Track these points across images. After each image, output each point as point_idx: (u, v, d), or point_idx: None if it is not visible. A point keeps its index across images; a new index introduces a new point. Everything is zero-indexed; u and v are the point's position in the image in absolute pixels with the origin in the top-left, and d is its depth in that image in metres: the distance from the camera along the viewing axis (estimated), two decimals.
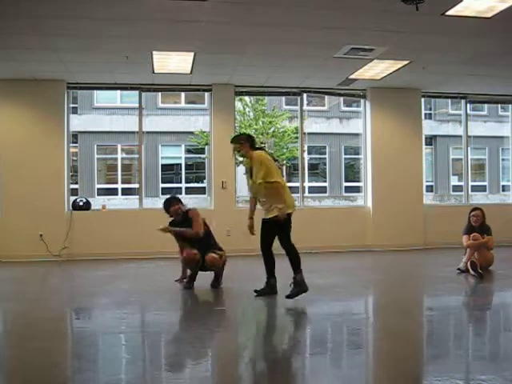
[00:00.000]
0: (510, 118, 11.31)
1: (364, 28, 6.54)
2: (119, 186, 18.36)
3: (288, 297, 5.35)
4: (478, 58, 7.81)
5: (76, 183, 16.03)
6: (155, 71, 8.43)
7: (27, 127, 8.93)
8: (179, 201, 6.58)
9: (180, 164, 18.98)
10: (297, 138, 11.28)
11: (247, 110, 17.85)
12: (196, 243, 6.28)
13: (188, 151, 19.08)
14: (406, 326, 4.75)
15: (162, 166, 18.57)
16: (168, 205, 6.50)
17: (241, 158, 6.70)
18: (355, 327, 4.83)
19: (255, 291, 5.68)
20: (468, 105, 10.77)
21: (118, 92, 16.76)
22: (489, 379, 3.30)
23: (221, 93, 9.55)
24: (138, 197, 9.83)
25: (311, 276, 7.27)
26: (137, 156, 10.49)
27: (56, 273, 8.11)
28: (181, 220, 6.42)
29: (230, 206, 9.15)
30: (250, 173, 5.72)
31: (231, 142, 5.85)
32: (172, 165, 19.09)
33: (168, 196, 6.82)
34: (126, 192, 17.41)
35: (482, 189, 20.10)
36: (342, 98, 17.15)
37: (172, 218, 6.54)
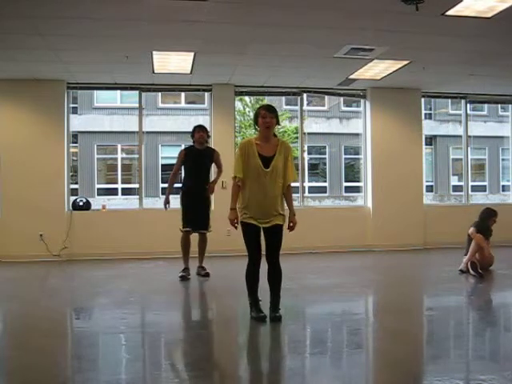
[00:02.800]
0: (510, 117, 11.30)
1: (364, 28, 6.54)
2: (119, 185, 18.34)
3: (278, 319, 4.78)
4: (477, 57, 7.81)
5: (76, 183, 16.00)
6: (155, 71, 8.43)
7: (27, 127, 8.92)
8: (207, 132, 7.14)
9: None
10: (297, 138, 11.27)
11: (247, 110, 17.86)
12: (199, 209, 6.85)
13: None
14: (406, 326, 4.76)
15: (162, 166, 18.54)
16: (195, 130, 7.04)
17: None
18: (355, 327, 4.84)
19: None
20: (468, 105, 10.76)
21: (118, 92, 16.75)
22: (489, 379, 3.31)
23: (221, 93, 9.55)
24: (138, 197, 9.82)
25: (311, 276, 7.30)
26: (137, 156, 10.49)
27: (56, 273, 8.11)
28: (200, 152, 6.97)
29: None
30: (262, 158, 4.70)
31: (270, 110, 4.75)
32: (172, 165, 18.96)
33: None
34: (126, 192, 17.39)
35: (482, 189, 20.09)
36: (341, 98, 17.13)
37: (188, 146, 7.08)
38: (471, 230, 7.15)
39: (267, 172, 4.67)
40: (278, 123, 4.82)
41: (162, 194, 17.81)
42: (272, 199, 4.72)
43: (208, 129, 7.40)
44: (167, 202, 7.05)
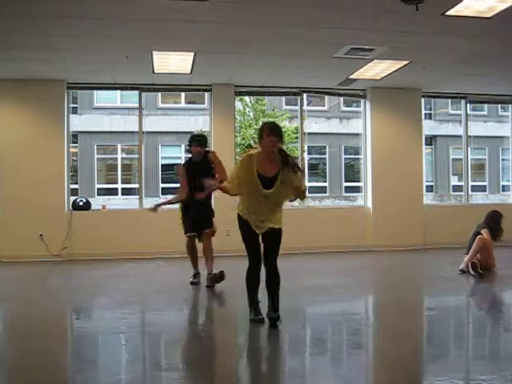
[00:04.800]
0: (510, 117, 11.31)
1: (364, 28, 6.54)
2: (119, 185, 18.34)
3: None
4: (478, 58, 7.81)
5: (76, 183, 15.99)
6: (155, 71, 8.43)
7: (27, 127, 8.92)
8: (205, 144, 6.70)
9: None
10: (297, 138, 11.27)
11: (247, 109, 17.86)
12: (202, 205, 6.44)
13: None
14: (406, 326, 4.76)
15: (162, 166, 18.55)
16: (192, 142, 6.60)
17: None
18: (355, 327, 4.83)
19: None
20: (468, 105, 10.76)
21: (118, 92, 16.74)
22: (489, 379, 3.31)
23: (221, 93, 9.55)
24: (137, 197, 9.83)
25: (311, 276, 7.30)
26: (137, 156, 10.48)
27: (56, 273, 8.11)
28: (199, 165, 6.52)
29: (230, 205, 9.13)
30: (262, 178, 4.48)
31: (277, 134, 4.45)
32: (172, 165, 19.04)
33: (198, 133, 6.92)
34: (126, 192, 17.39)
35: (482, 189, 20.08)
36: (341, 98, 17.14)
37: (186, 160, 6.79)
38: (484, 231, 7.12)
39: (268, 193, 4.46)
40: (282, 143, 4.56)
41: (163, 194, 17.84)
42: (272, 212, 4.60)
43: (206, 136, 6.96)
44: (158, 206, 6.81)
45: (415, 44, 7.16)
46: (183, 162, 6.98)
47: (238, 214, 4.70)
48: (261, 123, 5.20)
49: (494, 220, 7.30)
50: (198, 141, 6.60)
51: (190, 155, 6.78)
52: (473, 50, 7.47)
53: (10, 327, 5.05)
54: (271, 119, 17.43)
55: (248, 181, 4.45)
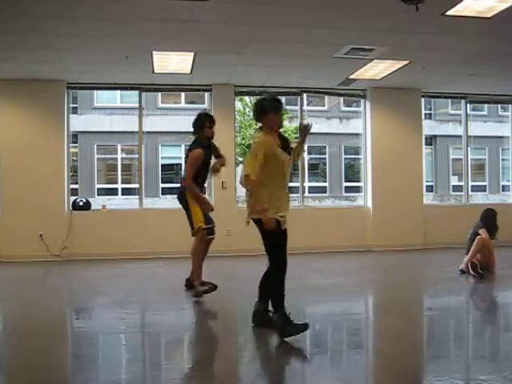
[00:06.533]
0: (510, 117, 11.31)
1: (364, 28, 6.54)
2: (119, 185, 18.35)
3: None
4: (478, 58, 7.81)
5: (76, 183, 15.99)
6: (155, 71, 8.43)
7: (27, 127, 8.92)
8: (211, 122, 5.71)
9: (180, 164, 18.96)
10: (297, 138, 11.27)
11: (247, 110, 17.85)
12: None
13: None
14: (406, 326, 4.76)
15: (162, 166, 18.55)
16: (210, 121, 5.76)
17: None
18: (355, 327, 4.84)
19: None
20: (468, 105, 10.76)
21: (118, 92, 16.75)
22: (489, 379, 3.31)
23: (221, 93, 9.55)
24: (137, 197, 9.82)
25: (312, 276, 7.30)
26: (137, 156, 10.49)
27: (56, 273, 8.12)
28: (207, 148, 5.77)
29: (230, 206, 9.15)
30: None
31: (280, 110, 4.68)
32: (172, 165, 19.08)
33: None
34: (126, 192, 17.39)
35: (482, 189, 20.09)
36: (341, 98, 17.14)
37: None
38: (482, 230, 7.12)
39: (289, 159, 4.46)
40: None
41: (162, 193, 17.87)
42: (288, 200, 4.48)
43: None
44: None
45: (415, 44, 7.16)
46: (197, 145, 5.82)
47: (278, 221, 4.31)
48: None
49: (489, 218, 7.31)
50: (214, 120, 5.78)
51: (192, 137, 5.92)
52: (473, 50, 7.47)
53: (9, 327, 5.05)
54: None
55: (279, 159, 4.35)
